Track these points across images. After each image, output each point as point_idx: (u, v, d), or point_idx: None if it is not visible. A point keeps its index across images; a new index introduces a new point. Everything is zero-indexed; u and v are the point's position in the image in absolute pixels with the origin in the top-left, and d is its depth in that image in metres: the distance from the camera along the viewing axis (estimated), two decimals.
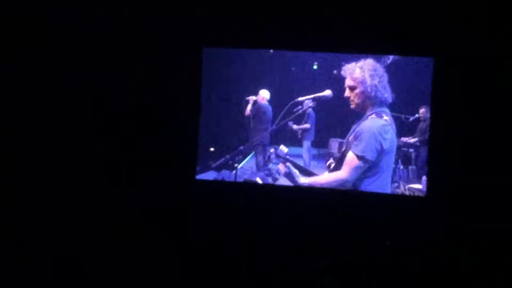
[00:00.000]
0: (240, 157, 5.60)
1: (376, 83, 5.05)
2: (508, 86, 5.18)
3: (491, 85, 5.19)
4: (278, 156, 5.42)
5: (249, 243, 5.40)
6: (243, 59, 5.56)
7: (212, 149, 5.63)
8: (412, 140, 5.40)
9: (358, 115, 5.12)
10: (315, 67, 5.36)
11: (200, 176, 5.59)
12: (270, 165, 5.49)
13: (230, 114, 5.64)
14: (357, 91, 5.09)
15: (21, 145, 5.59)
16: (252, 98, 5.57)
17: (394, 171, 5.22)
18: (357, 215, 5.36)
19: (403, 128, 5.32)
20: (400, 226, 5.28)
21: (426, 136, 5.29)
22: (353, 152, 5.02)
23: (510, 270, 5.06)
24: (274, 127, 5.44)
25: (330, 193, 5.38)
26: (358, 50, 5.35)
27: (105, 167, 5.57)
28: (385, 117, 5.03)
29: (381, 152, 4.98)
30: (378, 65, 5.12)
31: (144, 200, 5.54)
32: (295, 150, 5.61)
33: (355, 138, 5.03)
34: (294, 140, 5.61)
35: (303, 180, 5.35)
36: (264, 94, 5.59)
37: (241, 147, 5.56)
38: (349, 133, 5.14)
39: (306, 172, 5.38)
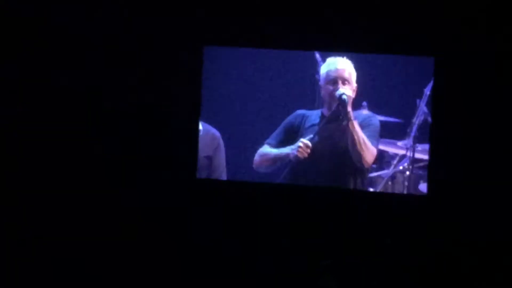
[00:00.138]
0: None
1: None
2: (508, 86, 5.17)
3: (492, 85, 5.18)
4: None
5: (249, 243, 5.41)
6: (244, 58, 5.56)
7: None
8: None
9: None
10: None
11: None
12: None
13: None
14: None
15: (21, 145, 5.59)
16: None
17: None
18: (358, 214, 5.35)
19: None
20: (400, 226, 5.28)
21: None
22: None
23: (510, 270, 5.06)
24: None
25: (330, 193, 5.38)
26: (358, 50, 5.34)
27: (105, 167, 5.56)
28: None
29: None
30: None
31: (144, 200, 5.53)
32: None
33: None
34: None
35: None
36: None
37: None
38: None
39: None
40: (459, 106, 5.23)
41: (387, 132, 5.33)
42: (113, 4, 5.53)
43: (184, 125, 5.54)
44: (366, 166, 5.24)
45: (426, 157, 5.29)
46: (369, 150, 5.19)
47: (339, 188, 5.35)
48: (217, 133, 5.52)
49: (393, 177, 5.38)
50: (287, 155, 5.32)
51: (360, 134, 5.17)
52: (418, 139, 5.28)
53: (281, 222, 5.40)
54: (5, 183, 5.56)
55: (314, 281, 5.08)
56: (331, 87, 5.26)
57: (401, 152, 5.37)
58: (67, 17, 5.55)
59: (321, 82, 5.31)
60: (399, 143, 5.36)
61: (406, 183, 5.34)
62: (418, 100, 5.26)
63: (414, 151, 5.28)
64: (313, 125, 5.35)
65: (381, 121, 5.27)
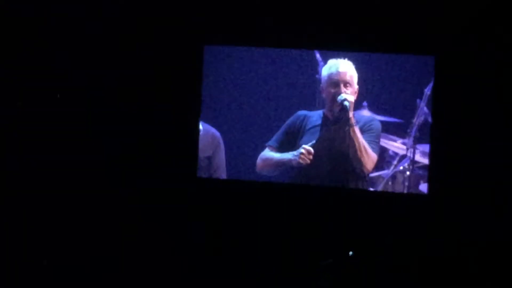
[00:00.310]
0: None
1: None
2: (508, 85, 5.17)
3: (492, 85, 5.18)
4: None
5: (249, 242, 5.41)
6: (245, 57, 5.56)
7: None
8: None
9: None
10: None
11: None
12: None
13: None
14: None
15: (21, 145, 5.59)
16: None
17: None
18: (358, 214, 5.35)
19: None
20: (401, 226, 5.28)
21: None
22: None
23: (510, 270, 5.06)
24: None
25: (330, 192, 5.38)
26: (359, 49, 5.35)
27: (106, 167, 5.56)
28: None
29: None
30: None
31: (144, 199, 5.54)
32: None
33: None
34: None
35: None
36: None
37: None
38: None
39: None
40: (459, 106, 5.22)
41: (388, 132, 5.33)
42: (113, 4, 5.52)
43: (184, 124, 5.55)
44: (366, 172, 5.25)
45: (426, 160, 5.29)
46: (369, 157, 5.20)
47: (339, 188, 5.35)
48: (217, 133, 5.52)
49: (393, 177, 5.38)
50: (290, 160, 5.33)
51: (361, 141, 5.17)
52: (418, 139, 5.27)
53: (281, 221, 5.40)
54: (5, 183, 5.56)
55: (314, 281, 5.07)
56: (333, 90, 5.25)
57: (402, 151, 5.37)
58: (67, 17, 5.55)
59: (323, 85, 5.30)
60: (399, 141, 5.35)
61: (406, 183, 5.34)
62: (418, 100, 5.26)
63: (414, 152, 5.28)
64: (314, 126, 5.35)
65: (381, 121, 5.27)
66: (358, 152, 5.16)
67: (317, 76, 5.34)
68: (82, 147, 5.58)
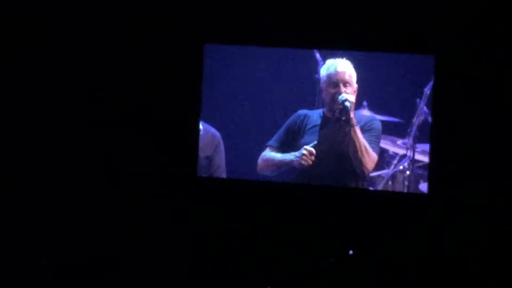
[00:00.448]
0: None
1: None
2: (508, 85, 5.16)
3: (492, 84, 5.18)
4: None
5: (249, 241, 5.41)
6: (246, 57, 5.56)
7: None
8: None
9: None
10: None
11: None
12: None
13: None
14: None
15: (21, 145, 5.59)
16: None
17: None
18: (358, 213, 5.35)
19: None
20: (401, 225, 5.28)
21: None
22: None
23: (510, 270, 5.06)
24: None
25: (330, 192, 5.38)
26: (359, 48, 5.35)
27: (105, 167, 5.56)
28: None
29: None
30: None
31: (144, 199, 5.54)
32: None
33: None
34: None
35: None
36: None
37: None
38: None
39: None
40: (459, 106, 5.22)
41: (387, 132, 5.33)
42: (113, 4, 5.52)
43: (184, 123, 5.55)
44: (366, 172, 5.25)
45: (426, 158, 5.29)
46: (370, 157, 5.20)
47: (339, 187, 5.35)
48: (216, 133, 5.52)
49: (393, 177, 5.38)
50: (291, 161, 5.34)
51: (362, 141, 5.18)
52: (418, 139, 5.27)
53: (281, 221, 5.41)
54: (5, 183, 5.56)
55: (314, 281, 5.07)
56: (332, 90, 5.24)
57: (401, 151, 5.37)
58: (67, 17, 5.55)
59: (322, 85, 5.30)
60: (399, 142, 5.36)
61: (406, 183, 5.35)
62: (418, 100, 5.26)
63: (414, 151, 5.28)
64: (314, 126, 5.35)
65: (381, 121, 5.28)
66: (359, 152, 5.17)
67: (316, 76, 5.34)
68: (82, 147, 5.58)
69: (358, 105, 5.29)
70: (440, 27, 5.23)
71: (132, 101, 5.56)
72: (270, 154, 5.40)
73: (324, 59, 5.33)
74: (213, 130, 5.53)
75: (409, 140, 5.30)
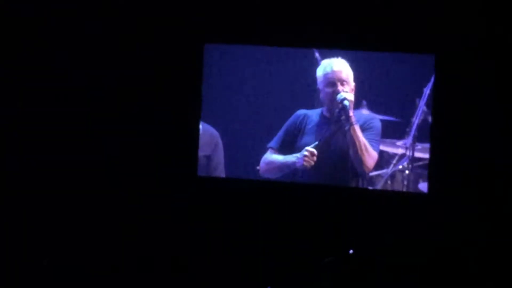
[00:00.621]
0: None
1: None
2: (508, 84, 5.16)
3: (493, 84, 5.18)
4: None
5: (249, 241, 5.41)
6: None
7: None
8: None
9: None
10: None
11: None
12: None
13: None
14: None
15: (21, 145, 5.59)
16: None
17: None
18: (358, 213, 5.35)
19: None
20: (401, 225, 5.28)
21: None
22: None
23: (510, 269, 5.05)
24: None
25: (330, 191, 5.38)
26: (358, 47, 5.35)
27: (105, 167, 5.56)
28: None
29: None
30: None
31: (144, 198, 5.54)
32: None
33: None
34: None
35: None
36: None
37: None
38: None
39: None
40: (459, 105, 5.22)
41: (387, 132, 5.33)
42: (113, 4, 5.53)
43: (184, 122, 5.55)
44: (366, 171, 5.25)
45: (426, 155, 5.29)
46: (370, 155, 5.20)
47: (340, 187, 5.35)
48: (215, 132, 5.53)
49: (392, 176, 5.37)
50: (294, 163, 5.35)
51: (361, 139, 5.18)
52: (417, 138, 5.27)
53: (281, 220, 5.41)
54: (5, 183, 5.57)
55: (314, 280, 5.07)
56: (330, 90, 5.25)
57: (401, 151, 5.37)
58: (67, 17, 5.56)
59: (319, 85, 5.31)
60: (399, 143, 5.36)
61: (405, 182, 5.34)
62: (417, 99, 5.26)
63: (413, 150, 5.28)
64: (314, 125, 5.36)
65: (380, 120, 5.27)
66: (359, 151, 5.17)
67: (316, 75, 5.35)
68: (82, 147, 5.58)
69: (357, 104, 5.29)
70: (440, 26, 5.23)
71: (132, 101, 5.56)
72: (271, 157, 5.41)
73: (324, 58, 5.33)
74: (211, 129, 5.54)
75: (408, 140, 5.30)
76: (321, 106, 5.35)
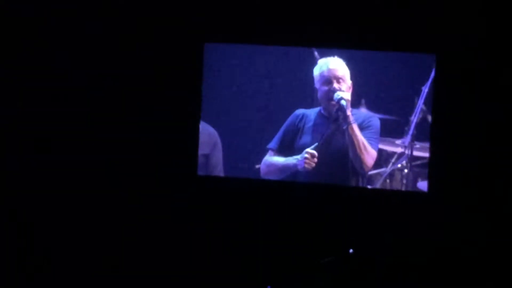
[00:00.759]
0: None
1: None
2: (508, 84, 5.16)
3: (492, 83, 5.17)
4: None
5: (249, 240, 5.41)
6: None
7: None
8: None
9: None
10: None
11: None
12: None
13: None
14: None
15: (21, 145, 5.60)
16: None
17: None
18: (358, 212, 5.35)
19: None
20: (401, 224, 5.27)
21: None
22: None
23: (510, 269, 5.05)
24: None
25: (330, 190, 5.38)
26: (358, 47, 5.35)
27: (105, 167, 5.57)
28: None
29: None
30: None
31: (144, 198, 5.54)
32: None
33: None
34: None
35: None
36: None
37: None
38: None
39: None
40: (459, 104, 5.22)
41: (386, 130, 5.32)
42: (113, 4, 5.54)
43: (184, 121, 5.55)
44: (366, 169, 5.25)
45: (424, 154, 5.29)
46: (369, 154, 5.20)
47: (339, 186, 5.35)
48: (214, 131, 5.52)
49: (391, 175, 5.37)
50: (295, 165, 5.34)
51: (360, 138, 5.18)
52: (416, 137, 5.27)
53: (281, 219, 5.41)
54: (5, 183, 5.57)
55: (314, 280, 5.07)
56: (326, 88, 5.25)
57: (399, 150, 5.36)
58: (67, 17, 5.56)
59: (316, 85, 5.31)
60: (397, 142, 5.36)
61: (404, 181, 5.34)
62: (416, 98, 5.26)
63: (412, 149, 5.28)
64: (312, 125, 5.35)
65: (379, 119, 5.27)
66: (358, 150, 5.16)
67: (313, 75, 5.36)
68: (82, 147, 5.58)
69: (356, 103, 5.29)
70: (440, 26, 5.22)
71: (132, 100, 5.56)
72: (272, 159, 5.41)
73: (323, 57, 5.33)
74: (210, 128, 5.54)
75: (407, 139, 5.30)
76: (319, 106, 5.35)
